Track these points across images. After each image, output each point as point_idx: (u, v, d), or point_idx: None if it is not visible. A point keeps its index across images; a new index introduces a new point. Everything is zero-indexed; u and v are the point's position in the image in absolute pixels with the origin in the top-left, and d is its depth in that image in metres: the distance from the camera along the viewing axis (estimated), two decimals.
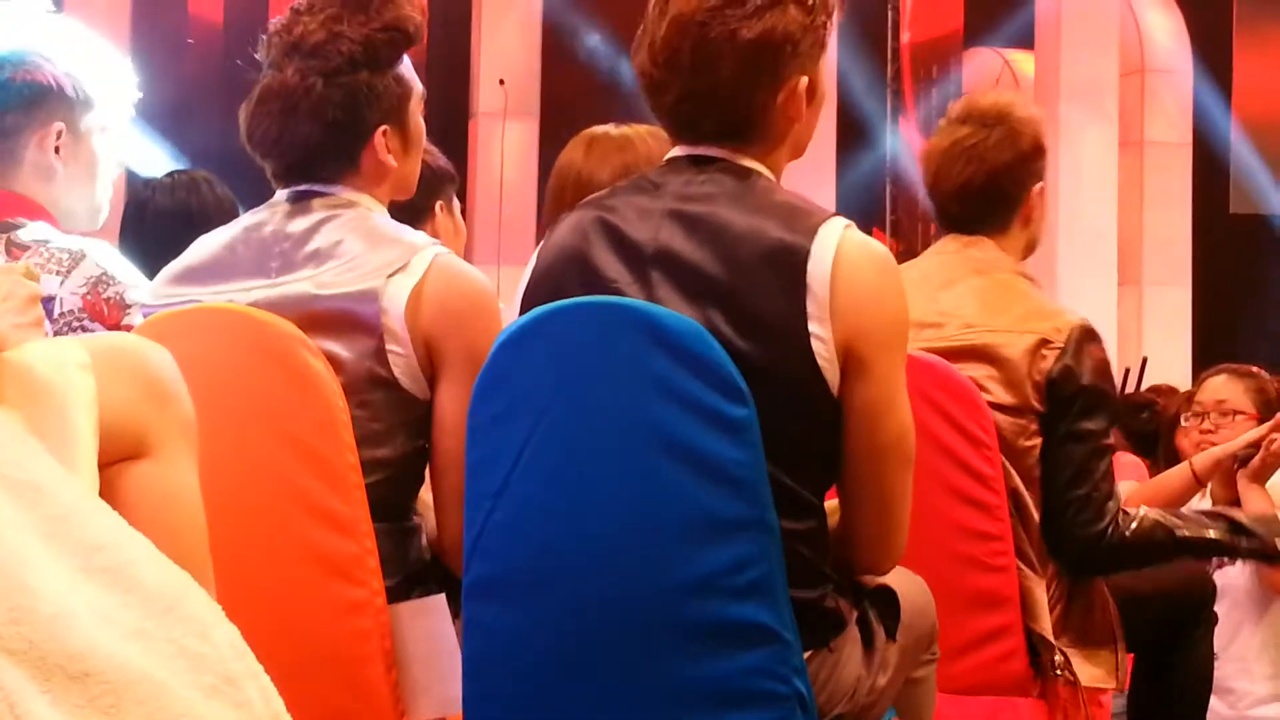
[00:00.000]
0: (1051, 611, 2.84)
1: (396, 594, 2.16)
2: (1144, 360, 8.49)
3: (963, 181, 2.99)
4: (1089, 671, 2.85)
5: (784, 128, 2.19)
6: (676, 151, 2.21)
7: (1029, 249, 3.09)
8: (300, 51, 2.28)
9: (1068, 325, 2.87)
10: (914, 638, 2.26)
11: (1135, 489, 4.04)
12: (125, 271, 2.58)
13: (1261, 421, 3.99)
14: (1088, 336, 2.88)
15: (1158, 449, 4.89)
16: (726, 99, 2.13)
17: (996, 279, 2.97)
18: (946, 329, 2.90)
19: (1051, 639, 2.81)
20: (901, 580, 2.28)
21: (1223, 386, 4.20)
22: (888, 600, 2.22)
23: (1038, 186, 3.05)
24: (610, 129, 3.05)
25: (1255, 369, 4.35)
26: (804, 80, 2.17)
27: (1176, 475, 3.91)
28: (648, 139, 2.91)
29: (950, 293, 2.93)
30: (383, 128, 2.31)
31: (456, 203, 3.25)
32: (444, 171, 3.12)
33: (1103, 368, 2.90)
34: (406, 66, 2.36)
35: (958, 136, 3.02)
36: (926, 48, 13.52)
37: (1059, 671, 2.81)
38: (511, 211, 11.80)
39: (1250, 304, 13.04)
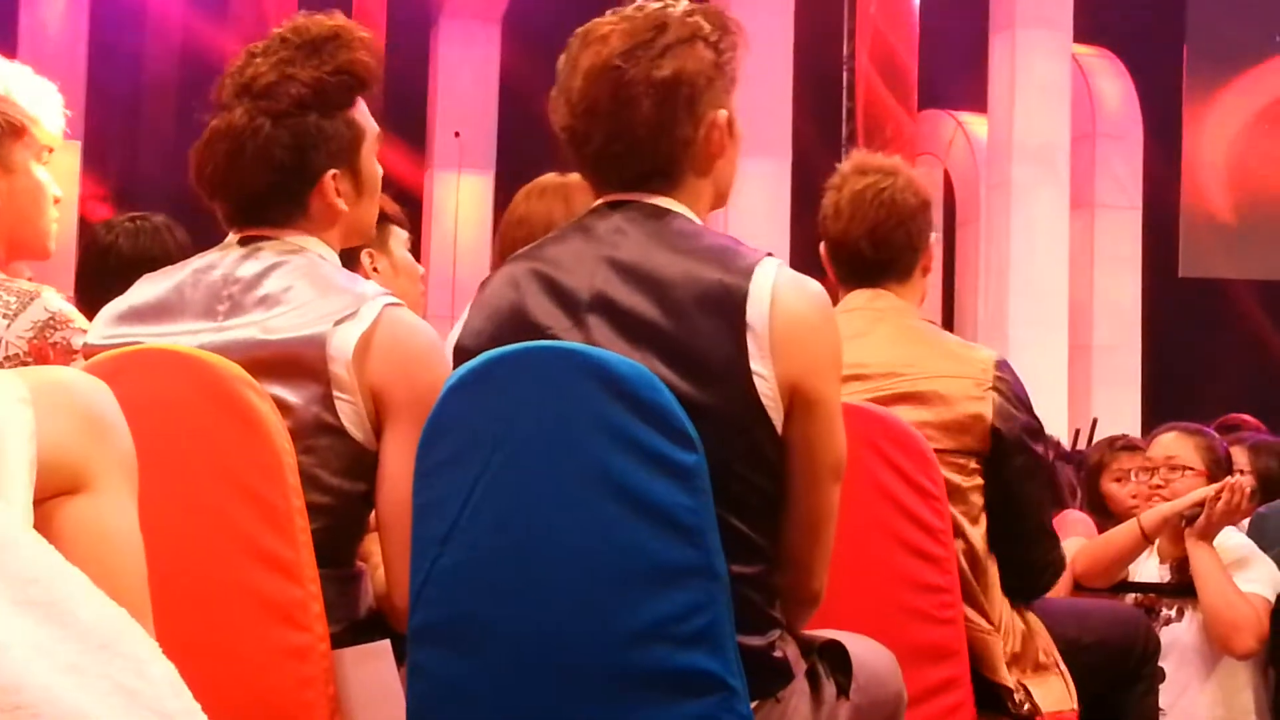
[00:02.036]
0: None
1: (341, 640, 2.14)
2: (1094, 421, 8.54)
3: (874, 224, 3.02)
4: (1048, 697, 2.88)
5: (707, 164, 2.21)
6: (603, 200, 2.22)
7: (921, 300, 3.14)
8: (250, 93, 2.27)
9: (988, 362, 2.95)
10: (870, 701, 2.25)
11: (1084, 545, 4.06)
12: (74, 317, 2.55)
13: (1210, 479, 4.03)
14: (1005, 369, 2.97)
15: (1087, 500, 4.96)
16: (649, 138, 2.15)
17: (901, 324, 3.02)
18: (872, 380, 2.92)
19: (1011, 684, 2.83)
20: (865, 648, 2.29)
21: (1173, 443, 4.25)
22: (838, 655, 2.22)
23: (934, 237, 3.12)
24: (555, 176, 3.08)
25: (1205, 428, 4.39)
26: (723, 113, 2.20)
27: (1124, 532, 3.93)
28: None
29: (863, 344, 2.94)
30: (332, 171, 2.30)
31: (399, 237, 3.22)
32: None
33: (1024, 395, 3.00)
34: (361, 111, 2.35)
35: (867, 183, 3.05)
36: (881, 109, 13.62)
37: (1024, 709, 2.83)
38: (466, 264, 11.80)
39: (1199, 367, 13.15)
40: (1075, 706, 2.95)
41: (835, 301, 3.05)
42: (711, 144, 2.20)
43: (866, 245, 3.04)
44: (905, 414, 2.84)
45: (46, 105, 2.66)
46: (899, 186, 3.04)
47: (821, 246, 3.14)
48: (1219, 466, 4.14)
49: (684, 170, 2.19)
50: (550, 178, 3.15)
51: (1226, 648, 3.83)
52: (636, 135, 2.15)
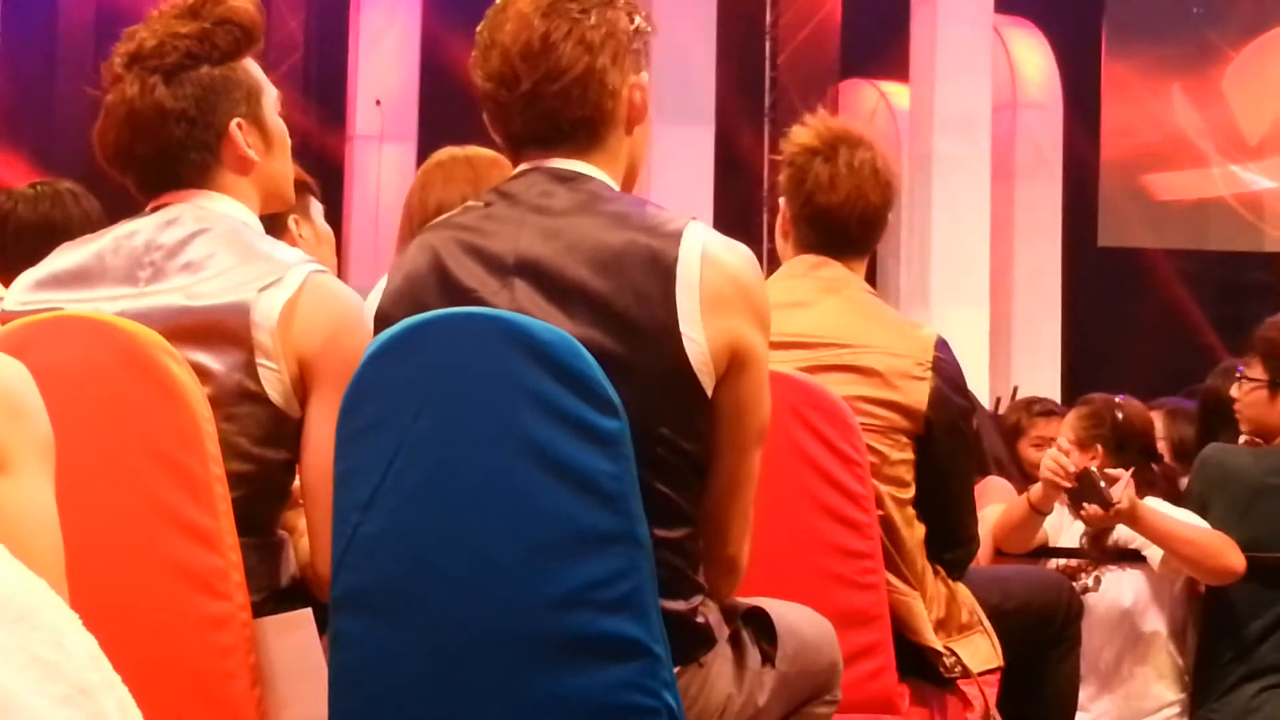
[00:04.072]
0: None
1: (262, 609, 2.13)
2: (1015, 389, 8.63)
3: (869, 200, 2.97)
4: (976, 657, 2.91)
5: (631, 123, 2.22)
6: (525, 165, 2.21)
7: (864, 274, 3.11)
8: (138, 59, 2.26)
9: (928, 343, 2.93)
10: (799, 669, 2.26)
11: (990, 524, 4.07)
12: None
13: (1082, 448, 4.09)
14: (944, 349, 2.95)
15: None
16: (580, 80, 2.15)
17: (850, 297, 2.99)
18: (815, 350, 2.90)
19: (939, 647, 2.85)
20: (799, 617, 2.30)
21: (1065, 420, 4.37)
22: (763, 622, 2.22)
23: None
24: (456, 151, 3.06)
25: (1094, 398, 4.42)
26: (645, 76, 2.22)
27: (1017, 508, 3.98)
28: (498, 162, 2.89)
29: (809, 313, 2.93)
30: (236, 120, 2.29)
31: (317, 207, 3.22)
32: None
33: (961, 377, 2.99)
34: (254, 66, 2.33)
35: (864, 158, 2.98)
36: (802, 79, 13.62)
37: (955, 672, 2.86)
38: (387, 234, 11.72)
39: (1118, 335, 13.28)
40: (1001, 664, 2.98)
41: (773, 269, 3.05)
42: (635, 105, 2.21)
43: (856, 220, 2.98)
44: (845, 386, 2.83)
45: None
46: (887, 164, 3.00)
47: (785, 205, 3.05)
48: (1101, 436, 4.19)
49: (610, 124, 2.19)
50: (450, 151, 3.11)
51: (1219, 570, 3.80)
52: (570, 76, 2.14)
